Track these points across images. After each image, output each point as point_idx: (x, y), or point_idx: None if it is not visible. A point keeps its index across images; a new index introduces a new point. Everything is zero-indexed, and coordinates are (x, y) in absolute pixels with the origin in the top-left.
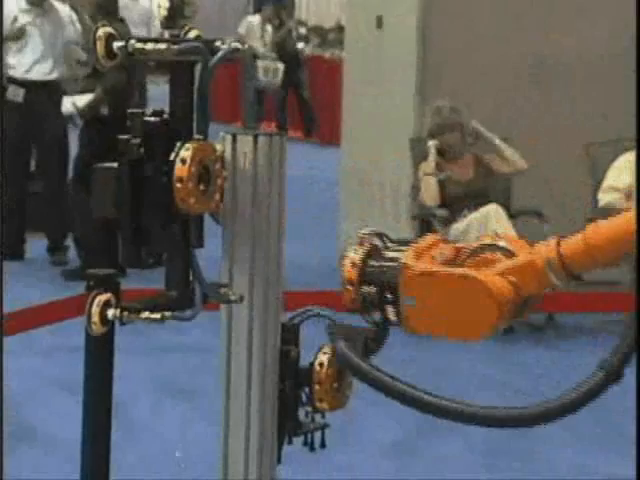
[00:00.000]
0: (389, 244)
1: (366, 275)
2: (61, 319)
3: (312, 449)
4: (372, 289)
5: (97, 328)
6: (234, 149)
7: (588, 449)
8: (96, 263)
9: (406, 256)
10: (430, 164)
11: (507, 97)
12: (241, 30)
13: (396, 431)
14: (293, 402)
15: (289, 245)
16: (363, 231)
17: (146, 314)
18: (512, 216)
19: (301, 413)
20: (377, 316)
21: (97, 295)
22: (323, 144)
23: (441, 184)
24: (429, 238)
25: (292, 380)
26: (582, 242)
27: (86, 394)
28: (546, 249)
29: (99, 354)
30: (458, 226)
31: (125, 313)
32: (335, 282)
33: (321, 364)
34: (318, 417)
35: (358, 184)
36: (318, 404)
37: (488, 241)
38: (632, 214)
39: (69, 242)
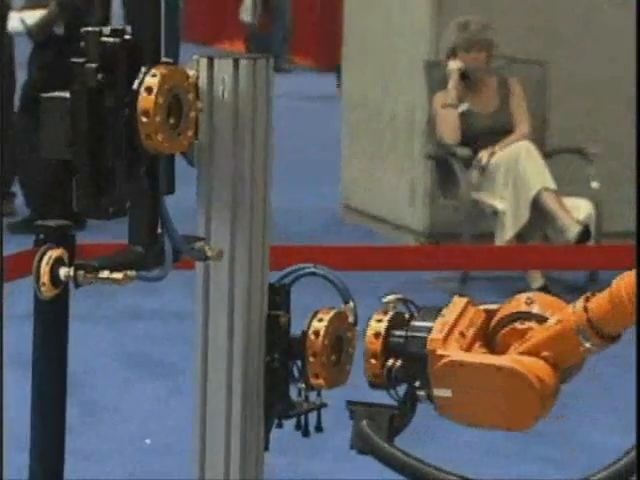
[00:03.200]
0: (415, 312)
1: (391, 347)
2: (7, 280)
3: (306, 434)
4: (398, 362)
5: (47, 290)
6: (211, 75)
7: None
8: (48, 213)
9: (433, 340)
10: (450, 92)
11: (541, 11)
12: None
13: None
14: (283, 378)
15: (282, 190)
16: (387, 298)
17: (106, 273)
18: (547, 155)
19: (293, 391)
20: (403, 391)
21: (47, 250)
22: (322, 69)
23: (462, 117)
24: (457, 304)
25: (282, 351)
26: (609, 301)
27: (35, 369)
28: (574, 316)
29: (50, 322)
30: (481, 168)
31: (80, 272)
32: (337, 235)
33: (316, 333)
34: (313, 395)
35: (364, 117)
36: (313, 380)
37: (522, 308)
38: None
39: (16, 188)
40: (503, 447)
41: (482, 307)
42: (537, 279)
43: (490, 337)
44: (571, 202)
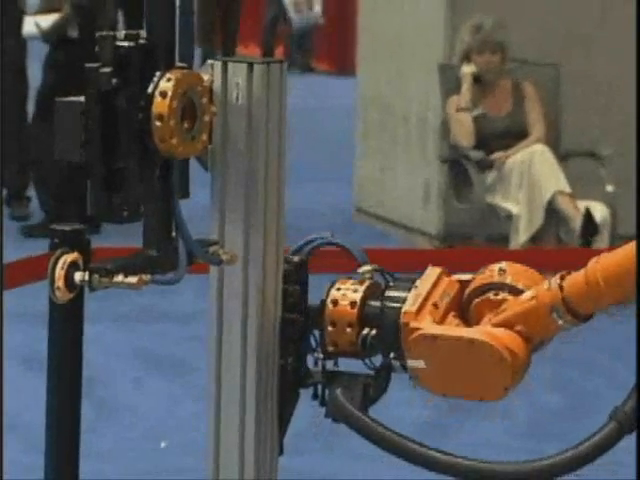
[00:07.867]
0: (390, 282)
1: (366, 316)
2: (22, 283)
3: (323, 403)
4: (373, 332)
5: (62, 294)
6: (225, 79)
7: None
8: (63, 216)
9: (406, 312)
10: (464, 96)
11: (556, 12)
12: None
13: (425, 408)
14: (301, 351)
15: (296, 191)
16: (363, 268)
17: (120, 277)
18: (561, 158)
19: (309, 360)
20: (378, 360)
21: (62, 255)
22: (336, 72)
23: (476, 120)
24: (430, 274)
25: (300, 322)
26: (584, 282)
27: (50, 372)
28: (550, 293)
29: (65, 325)
30: (496, 171)
31: (95, 276)
32: (349, 237)
33: (334, 302)
34: (330, 365)
35: (378, 118)
36: (331, 348)
37: (495, 279)
38: (634, 243)
39: (31, 192)
40: (521, 446)
41: (456, 277)
42: None
43: (464, 307)
44: (586, 205)
